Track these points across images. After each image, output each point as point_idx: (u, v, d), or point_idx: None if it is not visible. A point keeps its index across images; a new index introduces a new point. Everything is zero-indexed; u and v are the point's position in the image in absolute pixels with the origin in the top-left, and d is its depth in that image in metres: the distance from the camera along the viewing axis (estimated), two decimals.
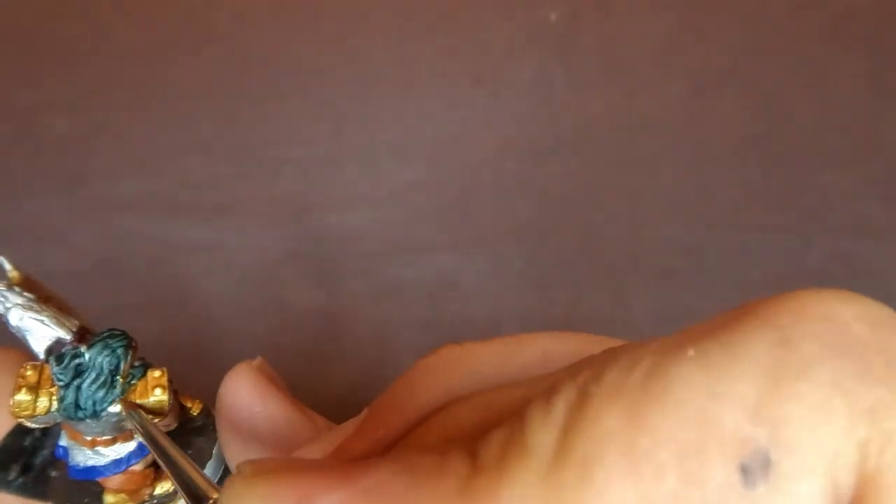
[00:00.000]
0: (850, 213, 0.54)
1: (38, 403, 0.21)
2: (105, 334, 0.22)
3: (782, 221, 0.54)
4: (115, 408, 0.21)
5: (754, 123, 0.59)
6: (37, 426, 0.22)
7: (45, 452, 0.24)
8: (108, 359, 0.21)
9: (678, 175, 0.57)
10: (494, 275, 0.52)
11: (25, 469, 0.24)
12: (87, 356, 0.21)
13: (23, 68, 0.67)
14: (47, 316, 0.22)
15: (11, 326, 0.22)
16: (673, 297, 0.50)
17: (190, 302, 0.51)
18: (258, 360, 0.21)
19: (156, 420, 0.21)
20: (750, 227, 0.53)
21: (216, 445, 0.24)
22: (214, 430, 0.24)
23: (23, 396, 0.21)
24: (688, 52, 0.64)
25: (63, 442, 0.23)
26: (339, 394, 0.47)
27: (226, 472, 0.24)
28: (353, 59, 0.66)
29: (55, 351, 0.21)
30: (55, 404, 0.21)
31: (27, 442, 0.24)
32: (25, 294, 0.22)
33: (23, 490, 0.23)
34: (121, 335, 0.22)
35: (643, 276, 0.51)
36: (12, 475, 0.23)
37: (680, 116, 0.60)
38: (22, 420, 0.21)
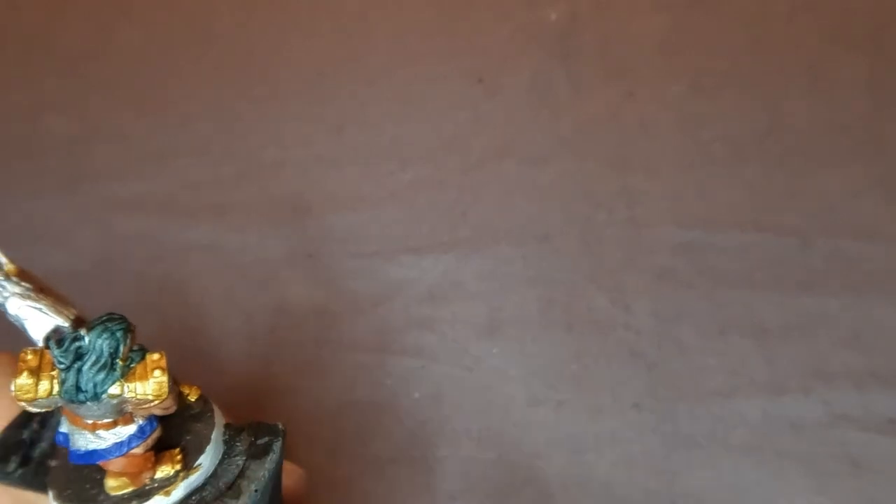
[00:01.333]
0: (850, 213, 0.54)
1: (39, 386, 0.21)
2: (104, 318, 0.22)
3: (782, 221, 0.54)
4: (116, 390, 0.22)
5: (754, 123, 0.59)
6: (38, 410, 0.22)
7: (44, 445, 0.25)
8: (107, 342, 0.22)
9: (678, 175, 0.57)
10: (494, 275, 0.52)
11: (24, 461, 0.24)
12: (86, 339, 0.22)
13: (23, 68, 0.67)
14: (45, 304, 0.22)
15: (10, 315, 0.22)
16: (673, 297, 0.50)
17: (189, 302, 0.51)
18: None
19: (155, 402, 0.22)
20: (750, 227, 0.53)
21: (214, 430, 0.25)
22: (212, 416, 0.25)
23: (24, 380, 0.21)
24: (688, 51, 0.64)
25: (63, 428, 0.23)
26: (339, 394, 0.47)
27: (225, 456, 0.25)
28: (352, 59, 0.66)
29: (54, 337, 0.22)
30: (56, 387, 0.21)
31: (25, 435, 0.24)
32: (23, 284, 0.22)
33: (22, 481, 0.24)
34: (119, 319, 0.22)
35: (643, 276, 0.51)
36: (11, 467, 0.24)
37: (680, 116, 0.60)
38: (23, 404, 0.21)
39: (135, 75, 0.66)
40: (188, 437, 0.25)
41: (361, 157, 0.59)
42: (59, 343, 0.22)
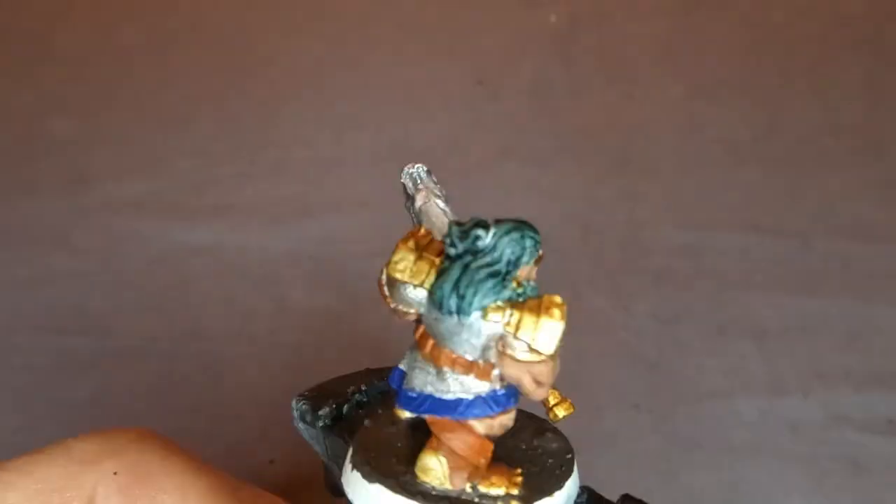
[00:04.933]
0: (850, 214, 0.54)
1: (417, 266, 0.17)
2: (517, 220, 0.17)
3: (782, 222, 0.54)
4: (496, 315, 0.16)
5: (753, 124, 0.59)
6: (403, 304, 0.18)
7: (362, 411, 0.21)
8: (512, 247, 0.16)
9: (678, 176, 0.57)
10: None
11: (338, 412, 0.21)
12: (489, 237, 0.17)
13: (24, 69, 0.67)
14: (449, 209, 0.20)
15: (413, 209, 0.20)
16: (673, 297, 0.50)
17: (190, 303, 0.51)
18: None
19: (534, 359, 0.16)
20: (750, 227, 0.53)
21: (571, 477, 0.18)
22: (571, 457, 0.19)
23: (405, 253, 0.17)
24: (687, 53, 0.64)
25: (403, 365, 0.19)
26: None
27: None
28: (353, 60, 0.66)
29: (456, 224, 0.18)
30: (432, 277, 0.17)
31: (350, 388, 0.22)
32: (438, 184, 0.21)
33: (328, 431, 0.21)
34: (534, 231, 0.17)
35: (643, 276, 0.51)
36: (323, 411, 0.21)
37: (679, 117, 0.60)
38: (397, 277, 0.18)
39: (135, 76, 0.66)
40: (532, 466, 0.18)
41: (361, 158, 0.60)
42: (460, 224, 0.17)
